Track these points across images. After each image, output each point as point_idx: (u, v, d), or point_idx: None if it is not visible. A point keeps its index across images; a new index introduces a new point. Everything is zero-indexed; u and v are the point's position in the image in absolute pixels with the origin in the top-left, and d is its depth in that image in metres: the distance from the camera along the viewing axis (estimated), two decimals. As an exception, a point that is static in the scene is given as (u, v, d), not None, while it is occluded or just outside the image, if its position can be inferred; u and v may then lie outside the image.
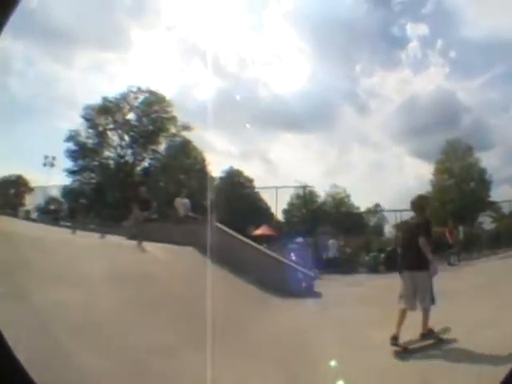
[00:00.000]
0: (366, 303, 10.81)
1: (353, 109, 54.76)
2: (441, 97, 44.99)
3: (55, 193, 39.91)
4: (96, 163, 40.95)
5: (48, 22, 42.76)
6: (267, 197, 38.32)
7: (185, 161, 39.59)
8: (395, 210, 31.93)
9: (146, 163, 41.59)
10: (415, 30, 48.24)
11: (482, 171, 36.82)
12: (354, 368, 5.94)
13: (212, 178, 40.32)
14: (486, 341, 6.00)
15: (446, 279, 10.79)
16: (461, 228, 22.30)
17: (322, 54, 52.28)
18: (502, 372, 2.82)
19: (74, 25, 43.33)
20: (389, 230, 35.55)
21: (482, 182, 36.72)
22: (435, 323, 7.03)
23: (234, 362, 6.06)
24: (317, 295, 13.17)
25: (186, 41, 53.35)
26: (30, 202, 38.85)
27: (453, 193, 36.21)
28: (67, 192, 39.85)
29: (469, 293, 9.92)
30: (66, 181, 40.46)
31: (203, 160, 40.90)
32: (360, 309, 10.03)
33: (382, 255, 21.46)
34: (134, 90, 40.58)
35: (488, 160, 39.87)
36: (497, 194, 35.94)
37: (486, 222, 30.73)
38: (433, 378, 5.20)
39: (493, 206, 33.92)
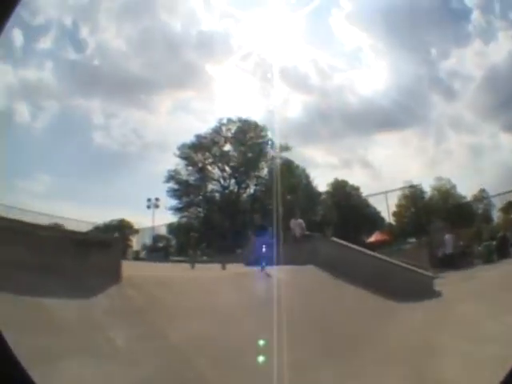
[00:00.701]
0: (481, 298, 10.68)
1: (439, 95, 52.43)
2: None
3: (162, 231, 41.19)
4: (201, 198, 42.02)
5: (119, 74, 45.01)
6: (375, 202, 37.78)
7: (289, 180, 38.91)
8: (499, 194, 31.48)
9: (251, 190, 41.99)
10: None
11: None
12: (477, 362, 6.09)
13: (319, 193, 40.32)
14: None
15: None
16: None
17: (395, 45, 50.48)
18: (502, 372, 2.94)
19: (145, 71, 45.70)
20: (497, 215, 34.35)
21: None
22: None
23: (373, 368, 6.36)
24: (437, 295, 13.05)
25: (261, 63, 53.63)
26: (138, 243, 40.05)
27: None
28: (175, 228, 41.05)
29: None
30: (172, 219, 41.65)
31: (307, 176, 40.86)
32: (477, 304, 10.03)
33: (494, 243, 20.79)
34: (225, 121, 41.35)
35: None
36: None
37: None
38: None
39: None
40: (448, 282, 14.77)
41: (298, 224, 16.52)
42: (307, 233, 16.30)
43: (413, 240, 29.00)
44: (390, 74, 51.74)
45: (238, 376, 5.50)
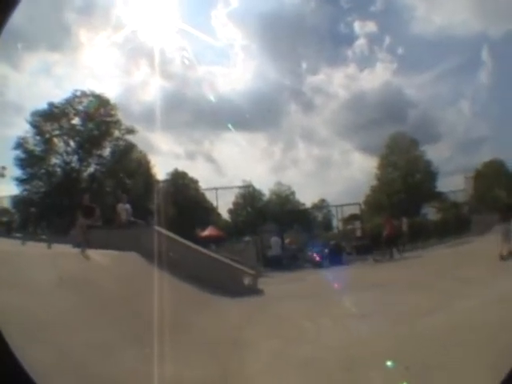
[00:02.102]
0: (304, 297, 11.44)
1: (298, 106, 55.12)
2: (387, 92, 46.47)
3: (6, 204, 39.25)
4: (43, 171, 40.39)
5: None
6: (213, 197, 38.82)
7: (129, 165, 40.20)
8: (337, 205, 33.74)
9: (91, 169, 41.13)
10: (363, 28, 48.26)
11: (428, 163, 38.31)
12: (284, 358, 6.52)
13: (157, 181, 40.55)
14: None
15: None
16: (404, 220, 22.73)
17: (268, 51, 53.67)
18: (502, 372, 2.87)
19: (27, 25, 42.37)
20: (336, 225, 36.39)
21: (428, 173, 38.16)
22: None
23: (178, 357, 6.39)
24: (259, 292, 13.62)
25: (133, 40, 52.72)
26: None
27: (398, 185, 37.47)
28: (18, 202, 39.20)
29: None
30: (17, 190, 39.66)
31: (148, 163, 41.17)
32: (298, 303, 10.69)
33: (326, 250, 22.09)
34: (79, 93, 40.06)
35: (435, 152, 42.05)
36: (445, 185, 37.54)
37: (431, 212, 31.63)
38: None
39: (439, 196, 35.15)
40: (273, 282, 15.66)
41: (124, 209, 16.18)
42: (132, 219, 15.96)
43: (246, 239, 29.95)
44: (254, 77, 53.39)
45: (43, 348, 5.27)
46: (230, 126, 39.18)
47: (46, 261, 9.64)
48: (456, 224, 24.99)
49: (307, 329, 8.11)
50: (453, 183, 40.18)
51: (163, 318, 8.05)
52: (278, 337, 7.81)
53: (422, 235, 24.33)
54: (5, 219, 37.20)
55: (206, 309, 10.66)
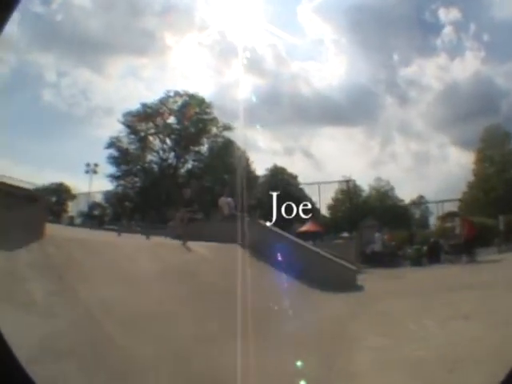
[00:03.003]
0: (405, 296, 11.07)
1: (393, 99, 54.68)
2: (478, 82, 44.76)
3: (99, 199, 40.73)
4: (139, 167, 41.68)
5: (78, 32, 43.50)
6: (312, 192, 38.01)
7: (228, 160, 39.96)
8: (437, 202, 32.93)
9: (189, 165, 42.19)
10: (447, 15, 46.35)
11: None
12: (389, 357, 6.21)
13: (256, 177, 40.72)
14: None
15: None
16: (501, 218, 21.79)
17: (358, 44, 53.83)
18: (501, 372, 2.85)
19: (105, 32, 44.40)
20: (433, 222, 35.34)
21: None
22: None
23: (280, 351, 6.36)
24: (359, 289, 13.38)
25: (221, 41, 53.44)
26: (74, 208, 39.55)
27: (494, 181, 35.37)
28: (111, 197, 40.72)
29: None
30: (110, 187, 41.29)
31: (247, 159, 40.55)
32: (399, 301, 10.37)
33: (425, 248, 21.43)
34: (172, 94, 41.21)
35: None
36: None
37: None
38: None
39: None
40: (373, 278, 15.20)
41: (226, 202, 16.29)
42: (235, 212, 15.73)
43: (345, 235, 29.50)
44: (347, 71, 52.91)
45: (144, 339, 5.41)
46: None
47: (147, 251, 9.64)
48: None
49: (410, 327, 7.93)
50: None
51: (265, 311, 8.24)
52: (382, 334, 7.60)
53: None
54: (97, 213, 38.46)
55: (308, 303, 10.43)
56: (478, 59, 47.18)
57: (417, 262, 20.32)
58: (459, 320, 7.83)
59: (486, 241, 21.02)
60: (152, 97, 43.21)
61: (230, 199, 16.53)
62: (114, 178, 41.11)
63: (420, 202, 41.22)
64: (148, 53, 53.82)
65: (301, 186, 41.10)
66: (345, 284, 13.09)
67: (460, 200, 34.69)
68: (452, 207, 31.72)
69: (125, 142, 41.24)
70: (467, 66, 48.43)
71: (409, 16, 47.49)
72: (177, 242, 11.85)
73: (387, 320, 8.67)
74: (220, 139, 41.76)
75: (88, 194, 38.81)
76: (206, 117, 41.41)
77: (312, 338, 7.40)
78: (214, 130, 41.77)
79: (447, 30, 45.63)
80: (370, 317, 9.27)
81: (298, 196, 39.69)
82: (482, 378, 4.84)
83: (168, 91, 41.04)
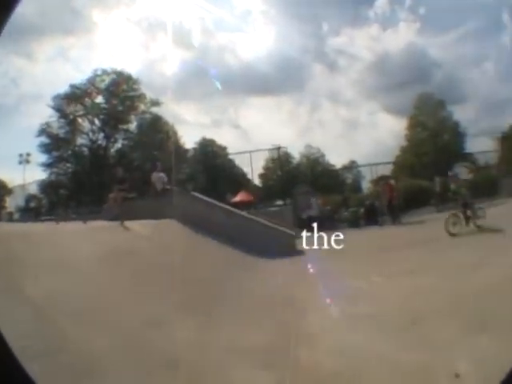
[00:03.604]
0: (348, 257, 11.26)
1: (322, 68, 54.30)
2: (412, 53, 44.71)
3: (34, 190, 39.19)
4: (70, 152, 40.35)
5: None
6: (242, 163, 37.65)
7: (157, 136, 39.09)
8: (370, 164, 33.35)
9: (119, 144, 41.11)
10: None
11: (456, 124, 37.40)
12: (338, 315, 6.42)
13: (186, 150, 40.25)
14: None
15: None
16: (437, 179, 22.35)
17: (288, 15, 52.52)
18: (502, 372, 2.79)
19: (32, 14, 41.84)
20: (366, 186, 36.16)
21: (456, 134, 37.30)
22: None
23: (234, 322, 6.39)
24: (300, 253, 13.47)
25: (149, 16, 51.78)
26: (12, 203, 37.84)
27: (427, 145, 36.74)
28: (45, 186, 39.28)
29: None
30: (44, 176, 39.60)
31: (175, 133, 40.14)
32: (343, 262, 10.51)
33: (362, 210, 22.15)
34: (100, 72, 39.73)
35: (462, 113, 41.56)
36: (472, 146, 36.47)
37: (463, 172, 30.46)
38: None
39: (468, 157, 34.05)
40: (312, 242, 14.86)
41: (158, 177, 16.20)
42: (168, 187, 15.80)
43: (279, 203, 30.08)
44: (275, 42, 50.84)
45: (95, 329, 5.23)
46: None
47: (85, 236, 9.65)
48: (486, 185, 23.96)
49: (360, 285, 7.99)
50: (480, 145, 39.42)
51: (212, 283, 8.14)
52: (332, 295, 7.49)
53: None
54: (32, 205, 37.45)
55: (252, 271, 10.51)
56: (412, 30, 46.66)
57: (354, 223, 21.10)
58: (407, 275, 8.15)
59: (423, 202, 22.15)
60: (80, 77, 41.33)
61: (161, 174, 16.51)
62: (46, 166, 39.40)
63: (351, 166, 41.94)
64: (75, 31, 51.20)
65: (231, 157, 40.87)
66: (285, 249, 13.29)
67: (393, 163, 35.49)
68: (385, 171, 32.17)
69: (55, 128, 39.56)
70: (400, 37, 47.71)
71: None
72: (114, 223, 11.86)
73: (335, 280, 8.61)
74: (148, 115, 40.96)
75: (23, 187, 37.47)
76: (133, 94, 40.38)
77: (260, 304, 7.48)
78: (142, 106, 40.86)
79: (380, 3, 47.18)
80: (316, 279, 9.35)
81: (228, 167, 39.95)
82: (449, 328, 5.06)
83: (95, 70, 39.67)
